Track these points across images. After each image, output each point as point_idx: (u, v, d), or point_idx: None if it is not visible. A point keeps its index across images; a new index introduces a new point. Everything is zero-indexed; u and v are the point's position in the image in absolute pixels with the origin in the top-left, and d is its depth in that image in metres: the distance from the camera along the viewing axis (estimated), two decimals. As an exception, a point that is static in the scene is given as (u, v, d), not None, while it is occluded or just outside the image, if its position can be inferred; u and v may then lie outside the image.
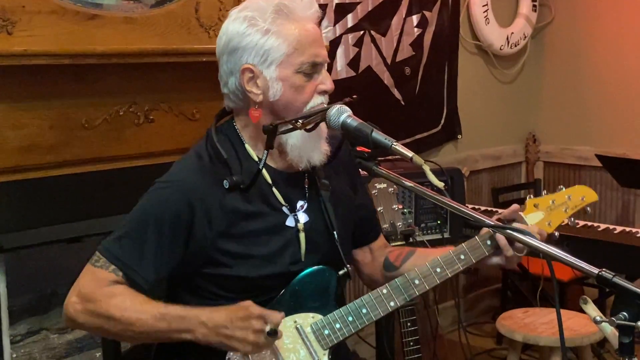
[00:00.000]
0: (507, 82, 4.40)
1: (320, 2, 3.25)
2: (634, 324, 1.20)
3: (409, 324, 2.16)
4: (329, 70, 3.33)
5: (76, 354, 2.51)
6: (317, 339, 1.63)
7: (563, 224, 1.80)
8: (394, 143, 1.50)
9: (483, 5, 4.04)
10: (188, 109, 2.42)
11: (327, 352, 1.63)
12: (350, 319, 1.64)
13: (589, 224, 3.23)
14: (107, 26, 2.18)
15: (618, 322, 1.21)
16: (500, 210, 1.84)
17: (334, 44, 3.35)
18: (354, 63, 3.46)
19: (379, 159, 1.69)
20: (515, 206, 1.71)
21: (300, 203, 1.69)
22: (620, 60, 4.18)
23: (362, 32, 3.48)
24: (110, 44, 2.17)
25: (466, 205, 2.75)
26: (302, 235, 1.67)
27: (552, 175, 4.55)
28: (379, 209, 2.15)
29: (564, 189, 1.80)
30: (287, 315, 1.63)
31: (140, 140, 2.33)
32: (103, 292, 1.56)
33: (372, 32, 3.53)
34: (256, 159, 1.64)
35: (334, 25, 3.35)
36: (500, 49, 4.18)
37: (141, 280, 1.59)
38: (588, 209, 1.81)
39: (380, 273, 1.85)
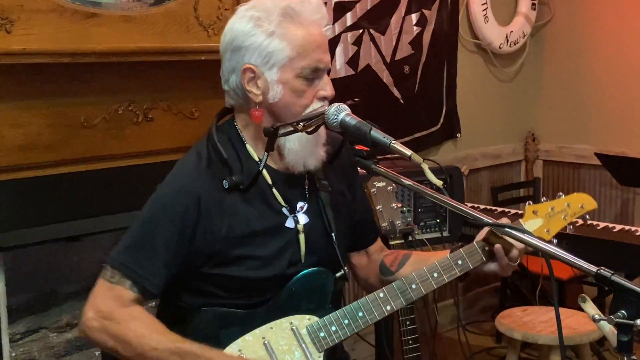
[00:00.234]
0: (506, 80, 4.40)
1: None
2: (632, 322, 1.20)
3: (408, 322, 2.16)
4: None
5: (75, 352, 2.51)
6: (312, 341, 1.63)
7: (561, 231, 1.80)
8: (393, 141, 1.49)
9: (482, 4, 4.03)
10: (187, 107, 2.42)
11: (322, 354, 1.63)
12: (346, 321, 1.64)
13: (588, 222, 3.23)
14: (106, 25, 2.18)
15: (617, 320, 1.21)
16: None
17: (333, 43, 3.35)
18: (353, 62, 3.46)
19: (379, 157, 1.68)
20: (505, 219, 1.71)
21: (300, 204, 1.69)
22: (619, 58, 4.18)
23: (361, 31, 3.48)
24: (109, 43, 2.17)
25: (465, 203, 2.76)
26: (301, 237, 1.67)
27: (551, 173, 4.55)
28: (378, 207, 2.15)
29: (563, 195, 1.80)
30: (283, 316, 1.64)
31: (139, 138, 2.33)
32: (122, 313, 1.56)
33: (371, 31, 3.53)
34: (257, 159, 1.64)
35: (333, 23, 3.35)
36: (500, 47, 4.18)
37: (154, 288, 1.59)
38: (587, 216, 1.81)
39: (376, 277, 1.85)
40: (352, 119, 1.55)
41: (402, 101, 3.72)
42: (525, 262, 3.67)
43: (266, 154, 1.59)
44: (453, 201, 1.50)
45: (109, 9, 2.20)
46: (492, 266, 1.73)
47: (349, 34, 3.43)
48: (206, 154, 1.64)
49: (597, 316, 1.27)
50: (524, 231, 1.43)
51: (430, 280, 1.69)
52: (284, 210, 1.67)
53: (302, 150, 1.61)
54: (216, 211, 1.59)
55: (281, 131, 1.57)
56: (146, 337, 1.54)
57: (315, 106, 1.60)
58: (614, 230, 3.11)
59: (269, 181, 1.65)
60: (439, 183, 1.47)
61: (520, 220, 1.76)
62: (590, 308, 1.33)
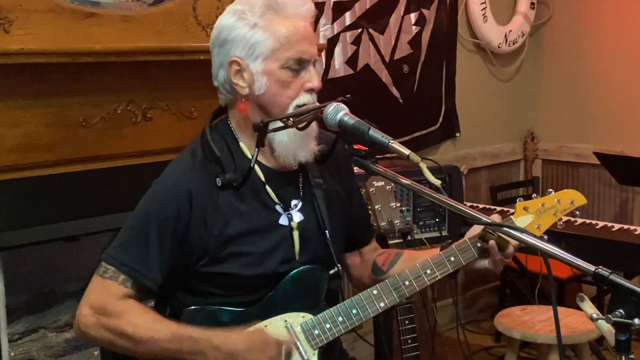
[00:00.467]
0: (505, 80, 4.40)
1: (318, 0, 3.25)
2: (630, 321, 1.20)
3: (407, 321, 2.16)
4: (327, 68, 3.33)
5: (74, 352, 2.51)
6: (306, 339, 1.63)
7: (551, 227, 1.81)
8: (391, 141, 1.50)
9: (481, 3, 4.04)
10: (186, 107, 2.42)
11: (316, 352, 1.63)
12: (340, 319, 1.65)
13: (587, 221, 3.24)
14: (105, 24, 2.18)
15: (614, 319, 1.21)
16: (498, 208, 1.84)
17: (331, 42, 3.35)
18: (352, 61, 3.46)
19: (378, 156, 1.69)
20: (496, 215, 1.72)
21: (294, 202, 1.70)
22: (618, 57, 4.18)
23: (360, 30, 3.48)
24: (108, 42, 2.17)
25: (464, 203, 2.76)
26: (296, 234, 1.67)
27: (550, 173, 4.55)
28: (376, 207, 2.14)
29: (553, 192, 1.81)
30: (277, 314, 1.64)
31: (138, 138, 2.33)
32: (116, 306, 1.56)
33: (370, 30, 3.53)
34: (250, 157, 1.64)
35: (332, 23, 3.35)
36: (499, 46, 4.18)
37: (151, 283, 1.60)
38: (577, 212, 1.82)
39: (368, 276, 1.86)
40: (350, 119, 1.56)
41: (401, 100, 3.72)
42: (524, 261, 3.68)
43: (257, 149, 1.59)
44: (451, 200, 1.51)
45: (108, 8, 2.20)
46: (483, 262, 1.74)
47: (348, 34, 3.43)
48: (200, 152, 1.65)
49: (595, 315, 1.27)
50: (522, 231, 1.43)
51: (424, 276, 1.70)
52: (278, 207, 1.67)
53: (291, 142, 1.62)
54: (209, 208, 1.59)
55: (271, 127, 1.58)
56: (142, 327, 1.54)
57: (303, 98, 1.61)
58: (613, 229, 3.11)
59: (262, 178, 1.66)
60: (437, 182, 1.47)
61: (512, 216, 1.77)
62: (589, 307, 1.33)
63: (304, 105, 1.61)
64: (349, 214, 1.83)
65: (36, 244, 2.32)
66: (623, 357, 1.24)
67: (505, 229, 1.45)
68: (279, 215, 1.67)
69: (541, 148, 4.52)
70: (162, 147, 2.36)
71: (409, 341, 2.14)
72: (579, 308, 1.39)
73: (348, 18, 3.42)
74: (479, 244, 1.72)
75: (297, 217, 1.69)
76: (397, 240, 2.17)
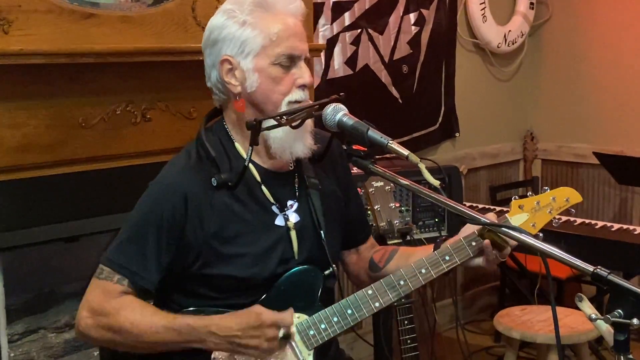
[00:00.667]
0: (504, 80, 4.40)
1: (318, 0, 3.25)
2: (628, 321, 1.20)
3: (406, 322, 2.16)
4: (326, 68, 3.34)
5: (74, 353, 2.51)
6: (302, 339, 1.63)
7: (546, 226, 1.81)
8: (390, 141, 1.50)
9: (480, 3, 4.04)
10: (185, 107, 2.42)
11: (311, 352, 1.63)
12: (335, 319, 1.65)
13: (587, 221, 3.24)
14: (104, 25, 2.18)
15: (613, 319, 1.21)
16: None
17: (331, 43, 3.35)
18: (351, 61, 3.46)
19: (377, 157, 1.69)
20: (491, 214, 1.72)
21: (290, 202, 1.70)
22: (617, 57, 4.18)
23: (359, 31, 3.48)
24: (107, 43, 2.17)
25: (464, 203, 2.76)
26: (293, 234, 1.68)
27: (549, 173, 4.55)
28: (376, 207, 2.15)
29: (548, 190, 1.81)
30: None
31: (137, 139, 2.33)
32: (112, 304, 1.57)
33: (370, 31, 3.53)
34: (245, 157, 1.64)
35: (331, 23, 3.35)
36: (498, 47, 4.18)
37: (148, 284, 1.60)
38: (572, 210, 1.82)
39: (365, 273, 1.87)
40: (349, 119, 1.56)
41: (400, 101, 3.72)
42: (524, 261, 3.68)
43: (250, 148, 1.60)
44: (450, 201, 1.51)
45: (107, 9, 2.20)
46: (478, 260, 1.74)
47: (347, 34, 3.43)
48: (195, 153, 1.66)
49: (593, 315, 1.27)
50: (520, 230, 1.43)
51: (419, 276, 1.70)
52: (274, 208, 1.67)
53: (287, 137, 1.62)
54: (205, 209, 1.60)
55: (264, 125, 1.58)
56: (139, 321, 1.55)
57: (295, 95, 1.62)
58: (612, 229, 3.11)
59: (258, 178, 1.66)
60: (436, 183, 1.47)
61: (507, 215, 1.77)
62: (587, 307, 1.33)
63: (296, 101, 1.62)
64: (345, 213, 1.83)
65: (36, 245, 2.31)
66: (622, 357, 1.24)
67: (503, 229, 1.46)
68: (275, 215, 1.67)
69: (541, 148, 4.52)
70: (161, 147, 2.36)
71: (409, 341, 2.14)
72: (578, 308, 1.39)
73: (347, 18, 3.43)
74: (474, 243, 1.72)
75: (294, 217, 1.69)
76: (396, 241, 2.17)
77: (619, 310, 1.21)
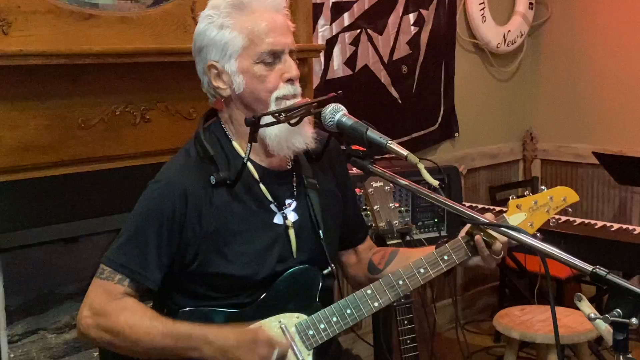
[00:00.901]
0: (504, 80, 4.40)
1: (317, 1, 3.25)
2: (627, 320, 1.20)
3: (406, 322, 2.16)
4: (326, 68, 3.34)
5: (74, 353, 2.51)
6: (301, 339, 1.63)
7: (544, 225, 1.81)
8: (389, 141, 1.50)
9: (480, 4, 4.04)
10: (184, 108, 2.43)
11: (311, 352, 1.63)
12: (334, 319, 1.65)
13: (586, 221, 3.24)
14: (103, 26, 2.18)
15: (612, 319, 1.21)
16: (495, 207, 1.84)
17: (330, 43, 3.35)
18: (350, 62, 3.46)
19: (377, 157, 1.69)
20: (489, 214, 1.72)
21: (288, 201, 1.70)
22: (617, 57, 4.18)
23: (358, 31, 3.48)
24: (107, 44, 2.17)
25: (463, 203, 2.76)
26: (291, 232, 1.68)
27: (549, 173, 4.55)
28: (375, 207, 2.15)
29: (545, 189, 1.81)
30: (271, 315, 1.64)
31: (136, 139, 2.33)
32: (112, 306, 1.57)
33: (369, 31, 3.53)
34: (243, 156, 1.65)
35: (331, 24, 3.35)
36: (497, 47, 4.19)
37: (150, 283, 1.60)
38: (569, 209, 1.82)
39: (364, 275, 1.87)
40: (348, 119, 1.56)
41: (400, 101, 3.73)
42: (523, 261, 3.68)
43: (249, 145, 1.60)
44: (449, 201, 1.51)
45: (107, 10, 2.21)
46: (476, 259, 1.74)
47: (347, 34, 3.44)
48: (194, 152, 1.66)
49: (592, 315, 1.28)
50: (518, 230, 1.44)
51: (417, 275, 1.70)
52: (272, 206, 1.68)
53: (282, 133, 1.62)
54: (204, 207, 1.60)
55: (263, 122, 1.58)
56: (137, 325, 1.55)
57: (283, 90, 1.62)
58: (612, 229, 3.11)
59: (256, 177, 1.66)
60: (435, 183, 1.48)
61: (505, 214, 1.77)
62: (586, 307, 1.33)
63: (284, 96, 1.62)
64: (343, 212, 1.83)
65: (35, 246, 2.32)
66: (621, 357, 1.24)
67: (502, 228, 1.46)
68: (274, 214, 1.67)
69: (540, 148, 4.52)
70: (161, 148, 2.36)
71: (408, 341, 2.14)
72: (577, 308, 1.39)
73: (347, 19, 3.43)
74: (471, 242, 1.72)
75: (292, 216, 1.69)
76: (395, 241, 2.17)
77: (618, 310, 1.21)
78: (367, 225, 2.04)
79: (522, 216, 1.76)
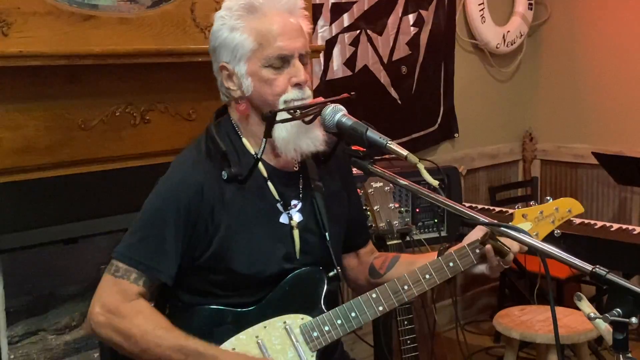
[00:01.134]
0: (503, 80, 4.40)
1: (317, 1, 3.25)
2: (627, 320, 1.20)
3: (406, 322, 2.17)
4: (325, 69, 3.34)
5: (74, 355, 2.51)
6: (305, 341, 1.64)
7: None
8: (389, 142, 1.50)
9: (479, 4, 4.04)
10: (184, 109, 2.43)
11: (314, 354, 1.64)
12: (339, 321, 1.65)
13: (586, 221, 3.24)
14: (103, 27, 2.18)
15: (612, 318, 1.21)
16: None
17: (330, 44, 3.35)
18: (350, 62, 3.46)
19: (377, 157, 1.69)
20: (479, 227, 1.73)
21: (294, 202, 1.71)
22: (616, 58, 4.18)
23: (358, 32, 3.48)
24: (106, 45, 2.17)
25: (463, 203, 2.75)
26: (296, 233, 1.68)
27: (549, 173, 4.55)
28: (375, 207, 2.15)
29: (551, 199, 1.83)
30: (276, 315, 1.65)
31: (136, 140, 2.33)
32: (127, 308, 1.57)
33: (369, 32, 3.53)
34: (253, 153, 1.66)
35: (330, 24, 3.36)
36: (497, 47, 4.19)
37: (165, 278, 1.60)
38: (558, 232, 1.84)
39: (364, 278, 1.87)
40: (348, 120, 1.57)
41: (399, 101, 3.73)
42: (523, 261, 3.68)
43: (264, 140, 1.61)
44: (449, 201, 1.51)
45: (106, 11, 2.20)
46: (481, 267, 1.75)
47: (346, 35, 3.44)
48: (205, 147, 1.66)
49: (592, 314, 1.28)
50: (520, 230, 1.44)
51: (423, 282, 1.71)
52: (279, 205, 1.68)
53: (290, 134, 1.62)
54: (217, 202, 1.61)
55: (278, 118, 1.58)
56: (150, 333, 1.55)
57: (291, 94, 1.62)
58: (612, 229, 3.11)
59: (265, 174, 1.67)
60: (435, 183, 1.48)
61: (510, 223, 1.78)
62: (586, 306, 1.33)
63: (292, 100, 1.61)
64: (348, 214, 1.83)
65: (35, 247, 2.32)
66: (621, 356, 1.24)
67: (502, 229, 1.46)
68: (280, 213, 1.68)
69: (540, 148, 4.53)
70: (160, 149, 2.36)
71: (408, 342, 2.14)
72: (577, 308, 1.39)
73: (346, 19, 3.43)
74: (477, 250, 1.72)
75: (297, 217, 1.70)
76: (395, 241, 2.17)
77: (618, 310, 1.22)
78: (371, 228, 2.04)
79: (528, 225, 1.77)
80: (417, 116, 3.85)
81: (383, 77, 3.63)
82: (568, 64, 4.39)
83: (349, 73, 3.46)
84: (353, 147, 1.69)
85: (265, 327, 1.63)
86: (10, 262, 2.29)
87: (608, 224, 3.19)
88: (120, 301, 1.57)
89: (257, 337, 1.62)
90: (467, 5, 4.02)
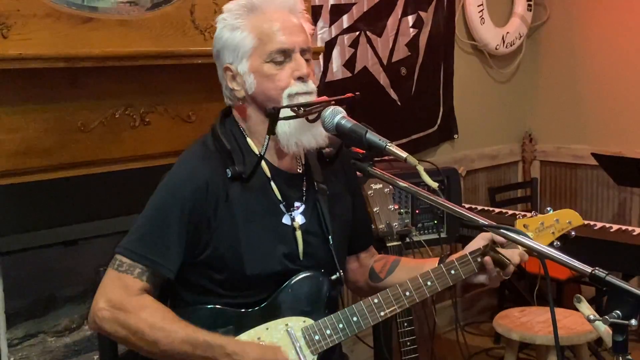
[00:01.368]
0: (503, 81, 4.40)
1: (316, 3, 3.25)
2: (627, 322, 1.20)
3: (405, 324, 2.16)
4: (325, 70, 3.34)
5: (74, 357, 2.51)
6: (307, 344, 1.64)
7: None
8: (388, 144, 1.50)
9: (478, 5, 4.04)
10: (184, 111, 2.43)
11: (315, 357, 1.64)
12: (340, 326, 1.65)
13: (585, 222, 3.23)
14: (103, 29, 2.19)
15: (611, 320, 1.21)
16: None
17: (329, 45, 3.35)
18: (349, 64, 3.46)
19: (376, 159, 1.69)
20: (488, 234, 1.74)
21: (297, 204, 1.71)
22: (615, 58, 4.18)
23: (357, 33, 3.48)
24: (106, 47, 2.18)
25: (463, 205, 2.76)
26: (298, 234, 1.68)
27: (548, 174, 4.55)
28: (375, 209, 2.15)
29: (551, 210, 1.84)
30: (278, 317, 1.65)
31: (136, 142, 2.33)
32: (132, 302, 1.57)
33: (368, 33, 3.53)
34: (257, 153, 1.67)
35: (330, 26, 3.36)
36: (496, 48, 4.19)
37: (168, 272, 1.60)
38: (572, 232, 1.85)
39: (364, 282, 1.87)
40: (347, 122, 1.57)
41: (399, 103, 3.73)
42: (522, 263, 3.67)
43: (267, 137, 1.62)
44: (449, 202, 1.51)
45: (106, 13, 2.21)
46: (481, 277, 1.76)
47: (346, 36, 3.44)
48: (211, 145, 1.68)
49: (592, 316, 1.28)
50: (519, 232, 1.44)
51: (424, 288, 1.71)
52: (281, 206, 1.68)
53: (293, 129, 1.62)
54: (221, 199, 1.61)
55: (282, 115, 1.59)
56: (157, 326, 1.55)
57: (294, 87, 1.62)
58: (611, 230, 3.11)
59: (268, 174, 1.67)
60: (434, 185, 1.48)
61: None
62: (586, 308, 1.33)
63: (296, 94, 1.62)
64: (351, 217, 1.84)
65: (35, 249, 2.32)
66: (620, 358, 1.24)
67: (502, 231, 1.46)
68: (282, 214, 1.68)
69: (539, 149, 4.53)
70: (160, 151, 2.36)
71: (408, 343, 2.14)
72: (577, 309, 1.39)
73: (345, 21, 3.43)
74: (479, 259, 1.73)
75: (300, 219, 1.70)
76: (395, 243, 2.17)
77: (618, 311, 1.22)
78: (372, 234, 2.04)
79: (529, 236, 1.77)
80: (417, 117, 3.85)
81: (382, 79, 3.63)
82: (567, 64, 4.39)
83: (348, 74, 3.46)
84: (353, 149, 1.69)
85: (267, 328, 1.63)
86: (10, 264, 2.29)
87: (608, 225, 3.18)
88: (125, 296, 1.57)
89: (258, 338, 1.63)
90: (466, 6, 4.02)
